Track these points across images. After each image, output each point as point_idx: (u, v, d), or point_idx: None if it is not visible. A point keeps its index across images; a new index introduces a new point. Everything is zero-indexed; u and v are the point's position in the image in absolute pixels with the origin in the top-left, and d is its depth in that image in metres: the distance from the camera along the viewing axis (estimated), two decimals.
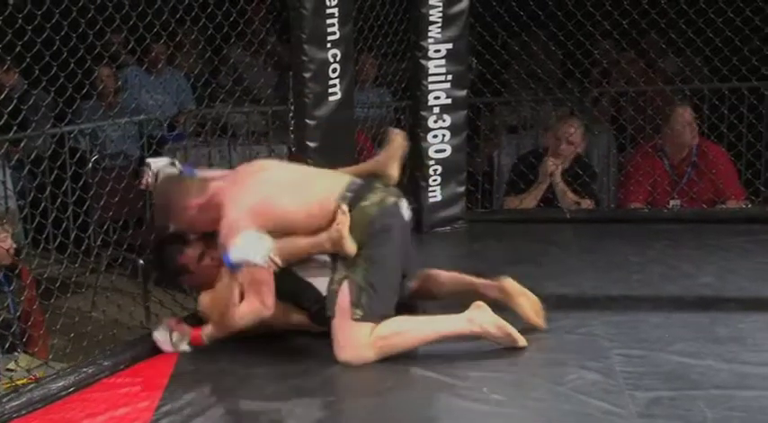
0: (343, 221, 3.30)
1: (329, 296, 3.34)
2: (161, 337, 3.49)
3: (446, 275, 3.67)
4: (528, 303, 3.48)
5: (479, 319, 3.32)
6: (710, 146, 5.37)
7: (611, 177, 6.14)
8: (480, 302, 3.36)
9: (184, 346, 3.46)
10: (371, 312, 3.29)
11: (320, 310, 3.40)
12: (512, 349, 3.33)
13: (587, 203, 5.25)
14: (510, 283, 3.52)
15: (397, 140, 3.70)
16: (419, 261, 3.68)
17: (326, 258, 3.43)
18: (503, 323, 3.33)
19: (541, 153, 5.37)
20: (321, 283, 3.42)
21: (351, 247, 3.30)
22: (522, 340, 3.34)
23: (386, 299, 3.35)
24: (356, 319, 3.28)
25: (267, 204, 3.36)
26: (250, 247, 3.17)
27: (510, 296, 3.50)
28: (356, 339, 3.28)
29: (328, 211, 3.36)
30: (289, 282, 3.40)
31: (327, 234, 3.32)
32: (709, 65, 5.82)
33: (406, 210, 3.47)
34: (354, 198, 3.37)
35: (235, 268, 3.23)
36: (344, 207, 3.33)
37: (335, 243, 3.31)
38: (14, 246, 4.26)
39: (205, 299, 3.49)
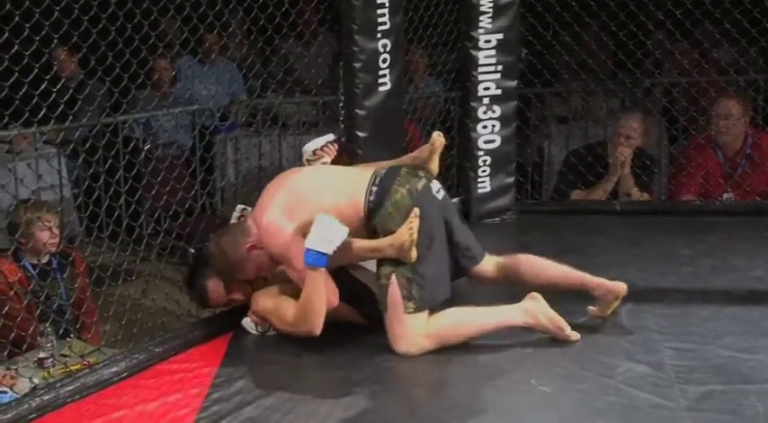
0: (415, 225, 3.22)
1: (379, 291, 3.31)
2: (247, 326, 3.56)
3: (549, 265, 3.57)
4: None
5: (534, 309, 3.31)
6: (765, 137, 5.29)
7: (663, 169, 6.08)
8: (536, 294, 3.33)
9: (270, 333, 3.53)
10: (423, 303, 3.29)
11: (371, 312, 3.39)
12: (560, 341, 3.32)
13: (638, 195, 5.21)
14: (624, 289, 3.51)
15: (438, 140, 3.63)
16: (477, 243, 3.61)
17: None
18: (555, 316, 3.31)
19: (608, 144, 5.32)
20: (370, 276, 3.42)
21: (414, 252, 3.24)
22: (574, 335, 3.32)
23: (436, 286, 3.34)
24: (410, 313, 3.27)
25: (296, 202, 3.34)
26: (327, 235, 3.17)
27: (618, 298, 3.50)
28: (412, 330, 3.27)
29: (358, 207, 3.32)
30: (344, 282, 3.37)
31: (392, 239, 3.24)
32: (765, 55, 5.74)
33: (437, 190, 3.42)
34: (381, 191, 3.32)
35: (314, 263, 3.19)
36: (417, 211, 3.25)
37: (400, 250, 3.24)
38: (57, 234, 4.31)
39: (262, 304, 3.51)
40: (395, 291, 3.27)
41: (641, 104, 6.17)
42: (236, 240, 3.44)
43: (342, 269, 3.37)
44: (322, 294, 3.24)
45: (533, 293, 3.34)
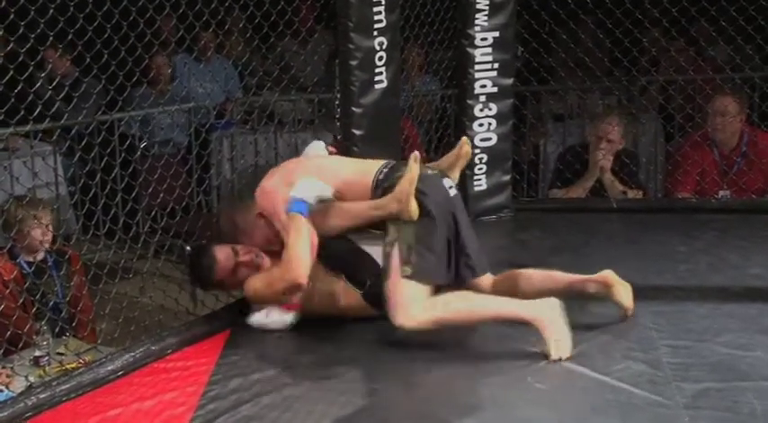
0: (414, 170, 3.24)
1: (384, 258, 3.33)
2: (257, 320, 3.51)
3: (537, 272, 3.54)
4: (626, 292, 3.46)
5: (546, 314, 3.19)
6: (761, 135, 5.30)
7: (659, 167, 6.09)
8: (553, 298, 3.23)
9: (289, 318, 3.47)
10: (420, 270, 3.26)
11: (374, 285, 3.39)
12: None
13: (635, 193, 5.22)
14: (611, 275, 3.47)
15: (465, 147, 3.66)
16: (483, 256, 3.57)
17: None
18: (562, 328, 3.17)
19: (587, 145, 5.34)
20: (378, 253, 3.42)
21: (415, 207, 3.25)
22: (564, 354, 3.17)
23: (434, 261, 3.32)
24: (406, 276, 3.26)
25: (299, 171, 3.45)
26: (309, 187, 3.28)
27: (610, 286, 3.46)
28: (410, 301, 3.25)
29: (366, 183, 3.39)
30: (346, 252, 3.41)
31: (393, 193, 3.28)
32: (761, 53, 5.74)
33: (450, 186, 3.43)
34: (391, 170, 3.40)
35: (296, 210, 3.28)
36: (416, 154, 3.28)
37: (400, 202, 3.25)
38: (51, 232, 4.31)
39: (252, 284, 3.51)
40: (395, 256, 3.28)
41: (637, 102, 6.19)
42: (248, 208, 3.58)
43: (343, 238, 3.38)
44: (305, 241, 3.26)
45: (551, 298, 3.23)
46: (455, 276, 3.47)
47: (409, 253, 3.28)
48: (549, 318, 3.20)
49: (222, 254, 3.52)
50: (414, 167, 3.25)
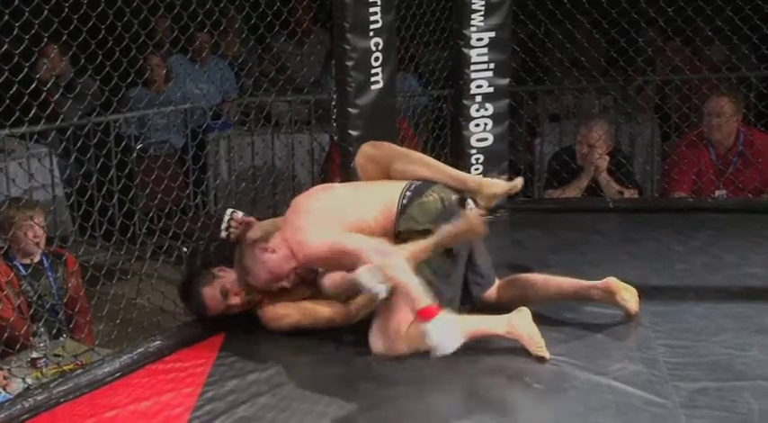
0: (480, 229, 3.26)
1: None
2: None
3: (540, 278, 3.56)
4: (630, 296, 3.46)
5: (518, 324, 3.24)
6: (757, 134, 5.30)
7: (656, 166, 6.09)
8: (524, 308, 3.28)
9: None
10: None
11: None
12: (554, 340, 3.30)
13: (631, 193, 5.22)
14: (614, 282, 3.47)
15: (516, 187, 3.47)
16: (491, 270, 3.58)
17: None
18: (536, 334, 3.22)
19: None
20: None
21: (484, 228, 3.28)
22: (546, 354, 3.21)
23: (449, 294, 3.34)
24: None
25: (333, 218, 3.30)
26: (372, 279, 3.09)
27: (614, 294, 3.46)
28: (396, 330, 3.26)
29: (391, 213, 3.32)
30: None
31: (468, 226, 3.26)
32: (757, 52, 5.74)
33: (470, 208, 3.39)
34: (414, 195, 3.34)
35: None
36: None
37: (471, 227, 3.27)
38: (44, 235, 4.29)
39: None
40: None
41: (633, 102, 6.19)
42: (255, 244, 3.39)
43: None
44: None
45: (522, 308, 3.29)
46: (464, 296, 3.49)
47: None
48: (521, 327, 3.23)
49: (211, 300, 3.47)
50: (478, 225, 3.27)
